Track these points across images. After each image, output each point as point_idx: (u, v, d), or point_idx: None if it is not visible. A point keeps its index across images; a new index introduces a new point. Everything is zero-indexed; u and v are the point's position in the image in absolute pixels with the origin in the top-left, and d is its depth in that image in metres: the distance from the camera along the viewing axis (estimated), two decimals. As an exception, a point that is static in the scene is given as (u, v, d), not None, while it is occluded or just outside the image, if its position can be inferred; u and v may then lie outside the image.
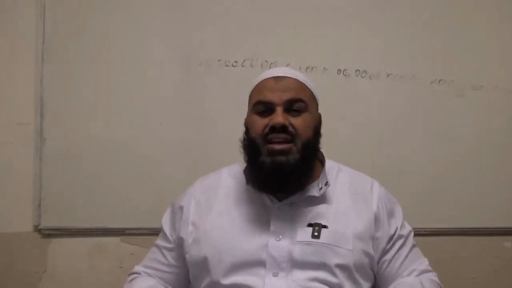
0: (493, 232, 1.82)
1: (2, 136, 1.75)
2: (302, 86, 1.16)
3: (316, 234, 1.10)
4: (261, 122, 1.11)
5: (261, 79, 1.18)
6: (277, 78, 1.15)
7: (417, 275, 1.15)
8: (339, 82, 1.78)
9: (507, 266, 1.83)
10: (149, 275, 1.22)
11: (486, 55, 1.83)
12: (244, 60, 1.77)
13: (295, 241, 1.10)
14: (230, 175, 1.24)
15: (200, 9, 1.77)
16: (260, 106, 1.13)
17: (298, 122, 1.11)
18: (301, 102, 1.13)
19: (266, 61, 1.76)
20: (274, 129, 1.09)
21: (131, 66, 1.75)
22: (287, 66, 1.71)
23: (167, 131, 1.75)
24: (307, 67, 1.77)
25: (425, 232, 1.75)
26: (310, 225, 1.12)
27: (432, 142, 1.80)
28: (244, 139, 1.17)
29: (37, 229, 1.74)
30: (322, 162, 1.20)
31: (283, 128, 1.08)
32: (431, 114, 1.81)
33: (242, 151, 1.17)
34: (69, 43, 1.75)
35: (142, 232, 1.73)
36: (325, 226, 1.11)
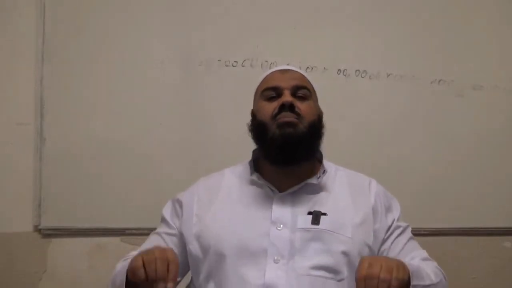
0: (493, 232, 1.82)
1: (2, 136, 1.75)
2: (305, 78, 1.25)
3: (315, 221, 1.13)
4: (269, 106, 1.17)
5: (267, 74, 1.26)
6: (282, 70, 1.24)
7: (419, 261, 1.16)
8: (339, 82, 1.79)
9: (507, 266, 1.83)
10: None
11: (486, 55, 1.83)
12: (244, 60, 1.77)
13: (295, 228, 1.13)
14: (233, 174, 1.27)
15: (200, 9, 1.77)
16: (268, 92, 1.19)
17: (304, 105, 1.17)
18: (306, 89, 1.20)
19: (266, 61, 1.77)
20: (283, 107, 1.14)
21: (131, 66, 1.75)
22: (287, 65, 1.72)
23: (167, 131, 1.75)
24: (307, 67, 1.77)
25: (425, 232, 1.75)
26: (310, 213, 1.15)
27: (432, 142, 1.80)
28: (252, 124, 1.22)
29: (37, 229, 1.74)
30: (320, 161, 1.24)
31: (291, 107, 1.14)
32: (431, 114, 1.81)
33: (249, 134, 1.22)
34: (69, 43, 1.75)
35: (142, 232, 1.72)
36: (324, 214, 1.14)
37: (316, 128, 1.18)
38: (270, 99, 1.18)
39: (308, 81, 1.24)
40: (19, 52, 1.76)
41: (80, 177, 1.73)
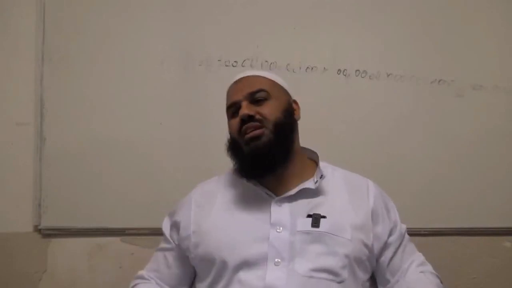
0: (493, 232, 1.82)
1: (2, 136, 1.75)
2: (260, 79, 1.25)
3: (315, 223, 1.14)
4: (234, 122, 1.20)
5: (228, 87, 1.28)
6: (237, 81, 1.26)
7: (417, 266, 1.20)
8: (339, 82, 1.78)
9: (507, 266, 1.83)
10: (152, 279, 1.26)
11: (486, 55, 1.83)
12: (244, 60, 1.77)
13: (295, 231, 1.13)
14: (230, 179, 1.28)
15: (200, 9, 1.77)
16: (231, 109, 1.23)
17: (264, 108, 1.18)
18: (261, 91, 1.20)
19: (266, 61, 1.77)
20: (244, 121, 1.17)
21: (131, 66, 1.75)
22: (287, 66, 1.75)
23: (167, 131, 1.75)
24: (307, 67, 1.77)
25: (425, 232, 1.75)
26: (309, 216, 1.15)
27: (432, 142, 1.80)
28: (228, 142, 1.25)
29: (37, 229, 1.74)
30: (317, 163, 1.25)
31: (250, 118, 1.16)
32: (431, 114, 1.81)
33: (227, 153, 1.24)
34: (69, 43, 1.74)
35: (142, 232, 1.73)
36: (324, 217, 1.15)
37: (283, 125, 1.19)
38: (234, 115, 1.21)
39: (265, 79, 1.24)
40: (19, 52, 1.76)
41: (80, 177, 1.73)
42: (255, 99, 1.19)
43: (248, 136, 1.16)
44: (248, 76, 1.25)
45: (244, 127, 1.17)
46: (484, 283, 1.82)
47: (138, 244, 1.74)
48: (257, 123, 1.16)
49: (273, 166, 1.17)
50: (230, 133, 1.23)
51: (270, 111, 1.18)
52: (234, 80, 1.27)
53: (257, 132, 1.15)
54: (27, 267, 1.74)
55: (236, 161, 1.21)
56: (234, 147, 1.21)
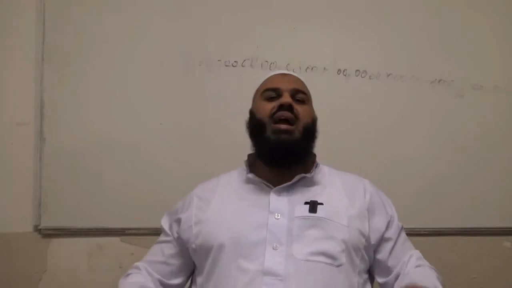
0: (493, 232, 1.82)
1: (2, 136, 1.75)
2: (303, 83, 1.30)
3: (313, 209, 1.17)
4: (269, 105, 1.22)
5: (268, 76, 1.31)
6: (283, 74, 1.31)
7: (417, 260, 1.21)
8: (339, 82, 1.79)
9: (507, 266, 1.83)
10: (145, 269, 1.27)
11: (486, 55, 1.83)
12: (244, 60, 1.77)
13: (293, 217, 1.16)
14: (229, 177, 1.30)
15: (200, 9, 1.77)
16: (269, 93, 1.24)
17: (301, 108, 1.22)
18: (303, 94, 1.26)
19: (266, 61, 1.77)
20: (282, 107, 1.19)
21: (131, 66, 1.75)
22: (287, 66, 1.76)
23: (167, 131, 1.75)
24: (307, 67, 1.77)
25: (425, 232, 1.75)
26: (306, 203, 1.19)
27: (432, 142, 1.80)
28: (250, 122, 1.27)
29: (37, 229, 1.74)
30: (313, 162, 1.28)
31: (289, 107, 1.19)
32: (431, 114, 1.81)
33: (247, 131, 1.26)
34: (69, 43, 1.75)
35: (142, 232, 1.73)
36: (321, 204, 1.18)
37: (310, 131, 1.24)
38: (270, 99, 1.23)
39: (306, 87, 1.29)
40: (19, 52, 1.76)
41: (80, 177, 1.73)
42: (296, 97, 1.23)
43: (280, 127, 1.18)
44: (293, 75, 1.31)
45: (279, 113, 1.19)
46: (484, 283, 1.82)
47: (138, 244, 1.74)
48: (292, 116, 1.19)
49: (292, 161, 1.21)
50: (257, 114, 1.23)
51: (304, 113, 1.22)
52: (279, 72, 1.31)
53: (290, 127, 1.19)
54: (27, 267, 1.74)
55: (256, 142, 1.24)
56: (259, 127, 1.22)
